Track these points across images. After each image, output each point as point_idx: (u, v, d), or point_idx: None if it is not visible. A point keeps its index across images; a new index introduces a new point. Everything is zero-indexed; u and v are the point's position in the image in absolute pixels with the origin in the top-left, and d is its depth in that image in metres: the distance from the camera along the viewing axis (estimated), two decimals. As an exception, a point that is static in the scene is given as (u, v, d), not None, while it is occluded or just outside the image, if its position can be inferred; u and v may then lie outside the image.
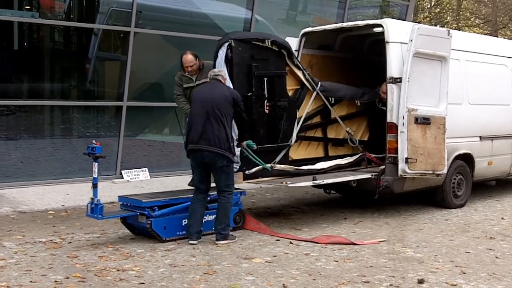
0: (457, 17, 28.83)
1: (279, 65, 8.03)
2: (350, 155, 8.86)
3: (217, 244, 6.68)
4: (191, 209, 6.80)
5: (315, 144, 8.89)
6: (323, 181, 7.79)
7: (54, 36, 12.11)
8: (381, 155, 8.61)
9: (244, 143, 7.36)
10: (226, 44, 7.42)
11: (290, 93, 8.23)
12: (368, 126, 9.36)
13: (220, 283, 5.31)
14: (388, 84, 8.03)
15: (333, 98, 8.73)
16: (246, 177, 7.63)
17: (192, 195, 6.90)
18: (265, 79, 7.78)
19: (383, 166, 8.12)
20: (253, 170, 7.61)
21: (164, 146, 12.96)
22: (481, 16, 29.81)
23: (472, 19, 29.92)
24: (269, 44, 7.91)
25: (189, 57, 8.04)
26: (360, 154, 8.89)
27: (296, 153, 8.46)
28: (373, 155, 8.82)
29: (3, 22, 10.34)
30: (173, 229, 6.85)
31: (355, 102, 9.06)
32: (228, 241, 6.74)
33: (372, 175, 8.06)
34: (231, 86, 7.26)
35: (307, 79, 8.35)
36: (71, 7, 12.00)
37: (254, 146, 7.44)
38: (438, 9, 28.86)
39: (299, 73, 8.28)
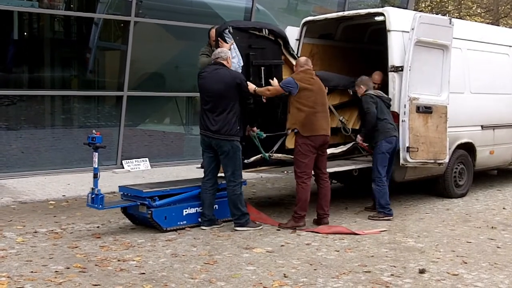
0: (459, 6, 28.70)
1: (275, 54, 8.02)
2: (343, 144, 8.84)
3: (235, 229, 6.86)
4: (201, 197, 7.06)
5: None
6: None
7: (54, 26, 12.05)
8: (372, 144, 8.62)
9: (256, 130, 7.37)
10: (226, 30, 7.40)
11: None
12: (359, 115, 9.32)
13: (221, 273, 5.30)
14: (389, 73, 7.99)
15: (327, 87, 8.71)
16: (245, 166, 7.65)
17: (197, 184, 7.04)
18: (263, 68, 7.77)
19: None
20: (252, 159, 7.63)
21: (165, 136, 12.95)
22: (483, 5, 29.64)
23: (473, 8, 29.75)
24: (266, 33, 7.89)
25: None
26: (353, 142, 8.87)
27: (292, 142, 8.42)
28: (365, 144, 8.80)
29: (3, 12, 10.28)
30: (173, 219, 6.85)
31: (348, 91, 9.04)
32: (247, 228, 6.85)
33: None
34: (241, 61, 7.34)
35: None
36: (71, -4, 11.96)
37: (263, 135, 7.47)
38: (440, -2, 28.74)
39: (294, 62, 8.25)
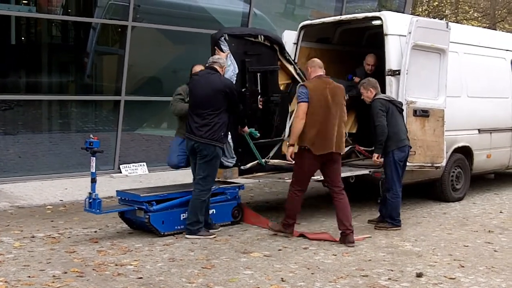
0: (456, 10, 28.77)
1: (271, 60, 8.02)
2: None
3: (186, 237, 6.73)
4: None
5: None
6: (320, 177, 7.76)
7: (52, 31, 12.06)
8: (370, 149, 8.59)
9: (247, 129, 7.36)
10: (222, 38, 7.40)
11: (281, 88, 8.24)
12: (356, 118, 9.32)
13: (218, 277, 5.30)
14: (387, 77, 8.00)
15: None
16: (241, 172, 7.65)
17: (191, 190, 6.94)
18: (258, 74, 7.77)
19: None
20: (248, 165, 7.64)
21: (162, 141, 12.93)
22: (480, 10, 29.71)
23: (470, 12, 29.82)
24: (262, 39, 7.90)
25: (199, 68, 7.51)
26: (350, 146, 8.87)
27: None
28: (362, 148, 8.81)
29: (0, 17, 10.30)
30: (171, 224, 6.85)
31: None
32: (198, 236, 6.70)
33: (370, 171, 8.03)
34: (236, 68, 7.30)
35: (298, 74, 8.34)
36: (69, 0, 11.95)
37: (258, 134, 7.45)
38: (437, 2, 28.77)
39: (290, 68, 8.28)
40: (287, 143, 6.79)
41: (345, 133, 8.87)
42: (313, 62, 6.92)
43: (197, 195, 6.75)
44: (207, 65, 7.03)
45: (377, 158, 7.29)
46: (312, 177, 7.00)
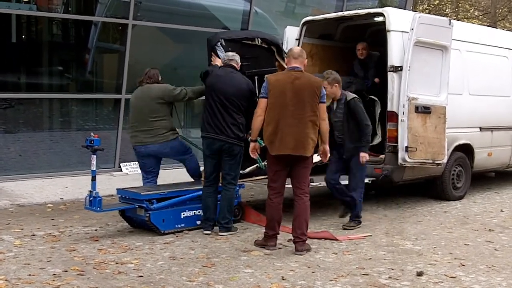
0: (456, 9, 28.76)
1: (269, 61, 7.99)
2: None
3: (220, 235, 6.74)
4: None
5: None
6: (320, 184, 7.74)
7: (53, 28, 12.04)
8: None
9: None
10: (218, 43, 7.36)
11: None
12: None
13: (219, 275, 5.30)
14: (389, 73, 7.99)
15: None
16: (241, 176, 7.62)
17: (195, 187, 7.02)
18: (256, 77, 7.74)
19: (383, 156, 8.11)
20: (248, 169, 7.62)
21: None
22: (480, 8, 29.68)
23: (471, 11, 29.81)
24: (259, 42, 7.88)
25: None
26: None
27: None
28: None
29: (1, 15, 10.29)
30: (171, 222, 6.85)
31: None
32: (232, 232, 6.82)
33: (369, 180, 7.99)
34: None
35: None
36: (70, -2, 11.95)
37: (262, 143, 7.41)
38: (437, 1, 28.76)
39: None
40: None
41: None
42: (289, 51, 6.36)
43: (231, 194, 6.86)
44: (223, 62, 7.00)
45: (371, 156, 7.33)
46: (312, 183, 6.92)
